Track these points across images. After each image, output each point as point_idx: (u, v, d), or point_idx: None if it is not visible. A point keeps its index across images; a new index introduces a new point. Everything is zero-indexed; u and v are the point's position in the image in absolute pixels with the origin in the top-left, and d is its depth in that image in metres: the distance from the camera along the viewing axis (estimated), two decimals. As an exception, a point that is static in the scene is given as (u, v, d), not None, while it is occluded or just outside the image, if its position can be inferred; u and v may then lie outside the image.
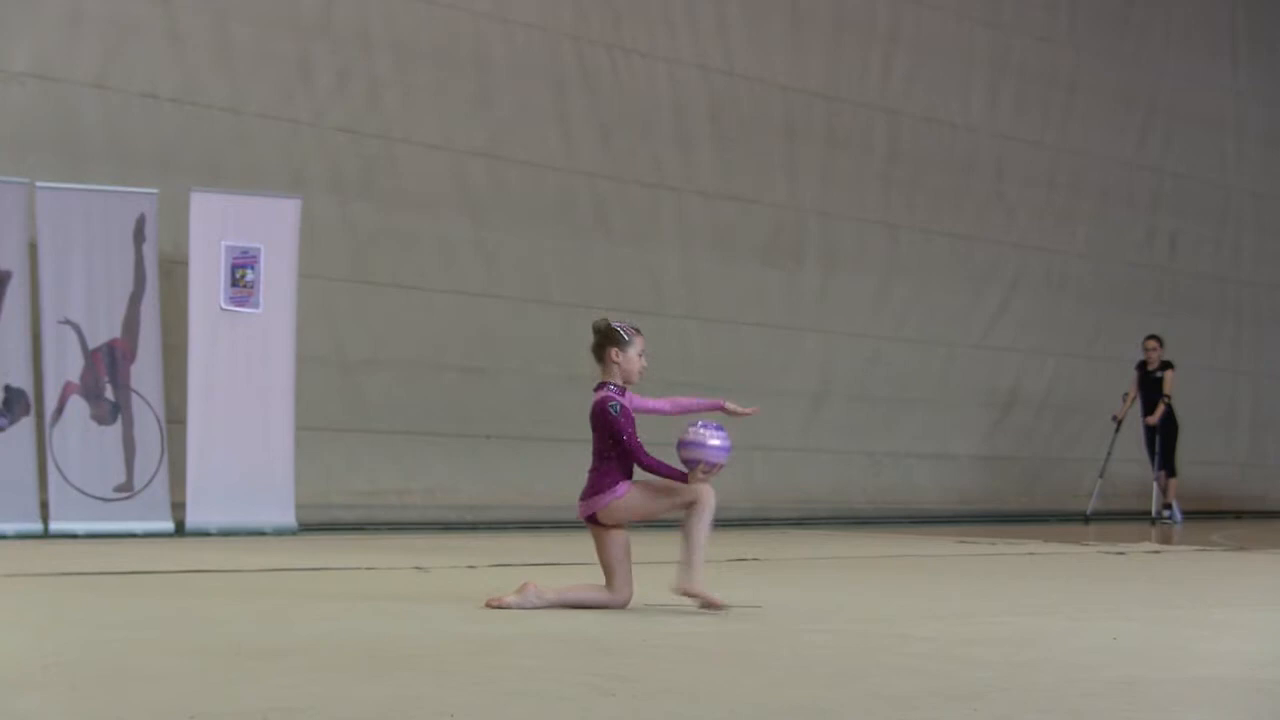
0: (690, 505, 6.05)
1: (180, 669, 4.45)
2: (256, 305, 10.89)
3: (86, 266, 10.40)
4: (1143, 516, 15.79)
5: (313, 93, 12.00)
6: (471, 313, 12.71)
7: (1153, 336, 15.79)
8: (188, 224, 10.74)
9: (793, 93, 14.94)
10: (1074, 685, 4.46)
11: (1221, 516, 17.24)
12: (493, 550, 9.57)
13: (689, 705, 4.06)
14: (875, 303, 15.55)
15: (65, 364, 10.31)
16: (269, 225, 10.96)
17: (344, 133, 12.14)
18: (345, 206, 12.12)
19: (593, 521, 6.14)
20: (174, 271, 10.93)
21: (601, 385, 6.16)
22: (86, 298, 10.40)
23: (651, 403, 6.31)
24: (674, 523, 6.22)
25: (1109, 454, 15.72)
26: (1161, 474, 15.59)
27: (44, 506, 10.14)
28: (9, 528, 9.87)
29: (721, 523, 6.49)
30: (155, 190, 10.67)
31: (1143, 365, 15.72)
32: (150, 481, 10.44)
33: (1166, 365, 15.58)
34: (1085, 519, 15.61)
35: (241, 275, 10.84)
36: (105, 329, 10.44)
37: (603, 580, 6.17)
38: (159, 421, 10.51)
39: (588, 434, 6.16)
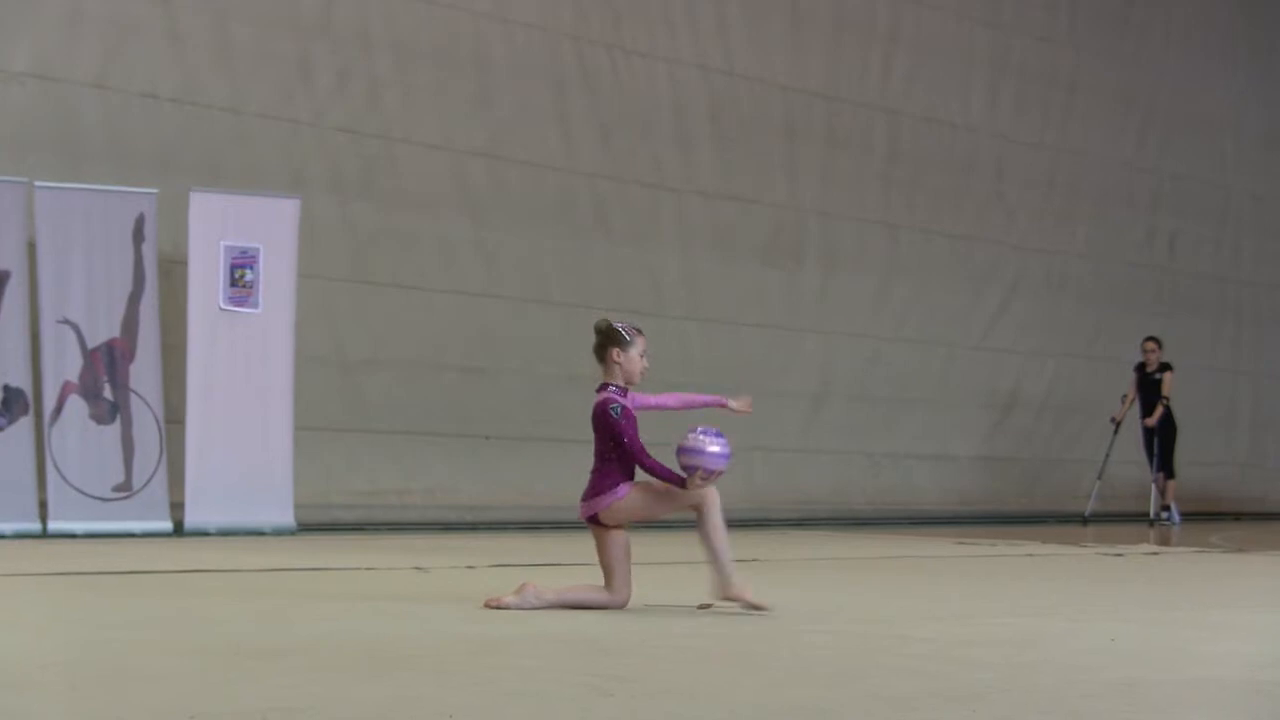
0: (695, 509, 6.04)
1: (179, 669, 4.45)
2: (256, 305, 10.88)
3: (86, 266, 10.40)
4: (1141, 518, 15.79)
5: (313, 93, 12.00)
6: (471, 313, 12.71)
7: (1151, 338, 15.80)
8: (187, 224, 10.74)
9: (793, 93, 14.94)
10: (1073, 687, 4.46)
11: (1220, 518, 17.23)
12: (492, 551, 9.57)
13: (688, 706, 4.06)
14: (875, 303, 15.55)
15: (64, 364, 10.30)
16: (268, 225, 10.96)
17: (344, 133, 12.14)
18: (345, 206, 12.12)
19: (594, 522, 6.14)
20: (173, 271, 10.92)
21: (603, 386, 6.16)
22: (86, 297, 10.39)
23: (655, 399, 6.30)
24: (675, 524, 6.22)
25: (1108, 455, 15.72)
26: (1160, 476, 15.59)
27: (42, 506, 10.13)
28: (7, 527, 9.87)
29: (722, 524, 6.47)
30: (155, 190, 10.67)
31: (1141, 367, 15.72)
32: (149, 481, 10.44)
33: (1165, 367, 15.59)
34: (1084, 520, 15.61)
35: (241, 275, 10.84)
36: (104, 329, 10.44)
37: (602, 581, 6.17)
38: (158, 421, 10.51)
39: (588, 434, 6.16)
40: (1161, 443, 15.52)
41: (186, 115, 11.39)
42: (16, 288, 10.15)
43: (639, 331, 6.23)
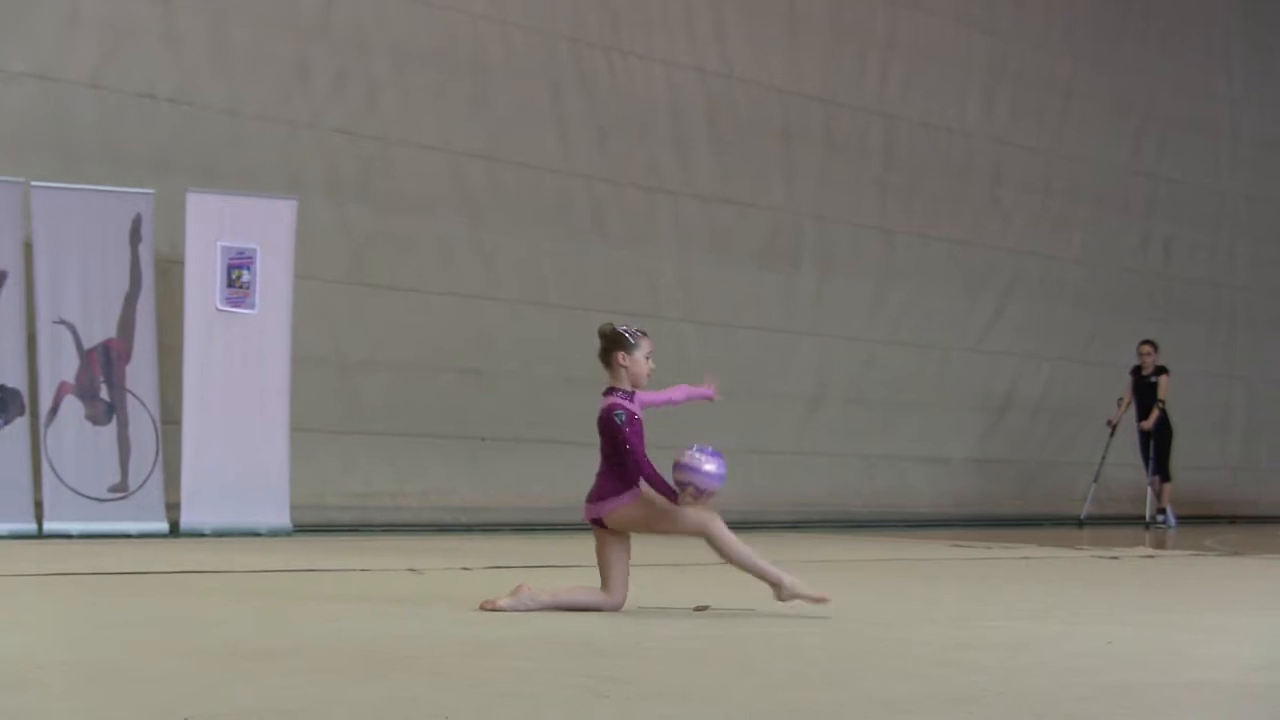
0: (699, 536, 6.01)
1: (175, 670, 4.45)
2: (252, 306, 10.88)
3: (82, 266, 10.39)
4: (1137, 521, 15.81)
5: (310, 94, 12.00)
6: (468, 314, 12.71)
7: (1147, 341, 15.82)
8: (184, 224, 10.73)
9: (790, 96, 14.95)
10: (1069, 690, 4.46)
11: (1215, 521, 17.25)
12: (488, 552, 9.56)
13: (683, 707, 4.06)
14: (871, 306, 15.57)
15: (60, 364, 10.30)
16: (265, 226, 10.96)
17: (341, 134, 12.14)
18: (342, 208, 12.12)
19: (598, 524, 6.12)
20: (170, 272, 10.92)
21: (610, 391, 6.10)
22: (82, 298, 10.39)
23: (662, 396, 6.27)
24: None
25: (1103, 458, 15.74)
26: (1156, 479, 15.62)
27: (38, 506, 10.12)
28: (3, 528, 9.85)
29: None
30: (151, 190, 10.66)
31: (1137, 370, 15.74)
32: (145, 482, 10.44)
33: (1161, 370, 15.61)
34: (1079, 523, 15.62)
35: (237, 276, 10.84)
36: (100, 329, 10.44)
37: (598, 582, 6.16)
38: (154, 422, 10.50)
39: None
40: (1157, 446, 15.54)
41: (184, 116, 11.39)
42: (13, 288, 10.15)
43: (644, 334, 6.17)
